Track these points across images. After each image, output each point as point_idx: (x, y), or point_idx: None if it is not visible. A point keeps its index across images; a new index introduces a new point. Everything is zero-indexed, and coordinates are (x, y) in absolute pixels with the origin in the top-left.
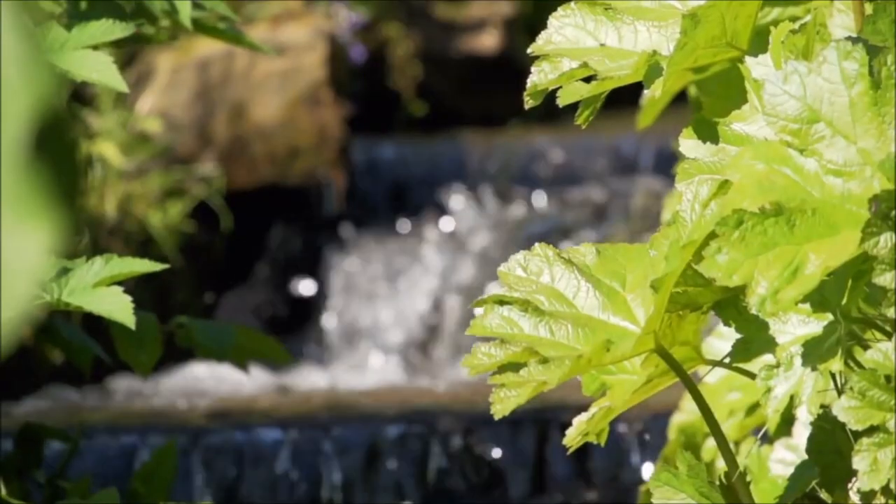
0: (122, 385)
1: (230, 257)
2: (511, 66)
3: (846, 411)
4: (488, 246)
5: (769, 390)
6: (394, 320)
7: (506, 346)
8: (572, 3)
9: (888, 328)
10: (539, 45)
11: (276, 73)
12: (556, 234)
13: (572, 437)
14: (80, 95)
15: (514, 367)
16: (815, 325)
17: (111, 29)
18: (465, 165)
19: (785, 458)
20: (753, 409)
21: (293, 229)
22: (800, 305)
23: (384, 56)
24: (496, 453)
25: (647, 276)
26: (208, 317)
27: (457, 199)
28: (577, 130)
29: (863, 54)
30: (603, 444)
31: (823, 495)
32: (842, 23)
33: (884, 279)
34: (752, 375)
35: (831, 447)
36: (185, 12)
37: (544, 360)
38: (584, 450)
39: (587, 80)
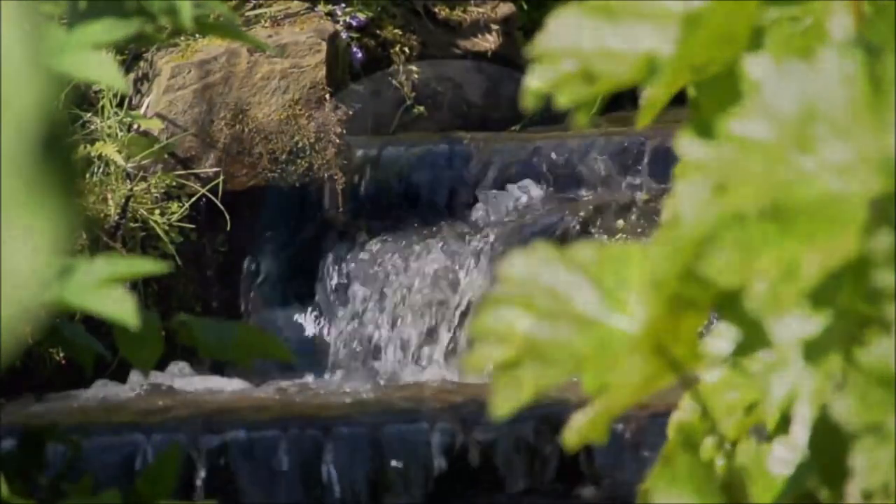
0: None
1: (231, 257)
2: (511, 68)
3: (845, 411)
4: (489, 246)
5: (768, 389)
6: (395, 320)
7: (505, 346)
8: (571, 4)
9: (888, 328)
10: (537, 46)
11: (277, 73)
12: (556, 233)
13: (571, 436)
14: (81, 96)
15: (514, 367)
16: (814, 325)
17: (112, 29)
18: (466, 166)
19: (784, 457)
20: (752, 408)
21: (293, 229)
22: (799, 305)
23: (384, 57)
24: (496, 452)
25: (647, 275)
26: (215, 316)
27: (457, 199)
28: (577, 131)
29: (862, 54)
30: (603, 443)
31: (822, 495)
32: (841, 23)
33: (883, 279)
34: (751, 375)
35: (830, 446)
36: (186, 12)
37: (544, 361)
38: (584, 449)
39: (586, 81)
